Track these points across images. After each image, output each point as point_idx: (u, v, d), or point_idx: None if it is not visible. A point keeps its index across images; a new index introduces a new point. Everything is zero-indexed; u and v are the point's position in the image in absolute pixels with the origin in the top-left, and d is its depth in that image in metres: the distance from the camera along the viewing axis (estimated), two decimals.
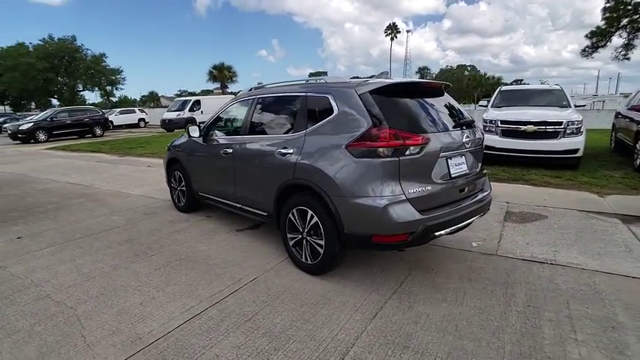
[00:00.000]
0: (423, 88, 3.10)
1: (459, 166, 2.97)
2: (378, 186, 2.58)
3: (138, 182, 7.32)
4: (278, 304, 2.68)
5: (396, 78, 3.19)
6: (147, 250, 3.75)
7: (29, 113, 32.73)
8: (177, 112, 22.13)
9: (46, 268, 3.32)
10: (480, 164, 3.27)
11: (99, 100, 52.78)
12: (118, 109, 31.45)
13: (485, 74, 74.51)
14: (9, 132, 17.74)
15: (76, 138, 18.92)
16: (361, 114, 2.72)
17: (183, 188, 5.00)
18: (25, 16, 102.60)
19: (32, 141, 17.34)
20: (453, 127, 2.99)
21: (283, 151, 3.20)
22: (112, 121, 27.16)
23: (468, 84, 66.93)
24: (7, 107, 45.78)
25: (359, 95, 2.79)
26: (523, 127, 7.38)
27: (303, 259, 3.16)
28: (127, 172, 8.62)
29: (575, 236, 3.93)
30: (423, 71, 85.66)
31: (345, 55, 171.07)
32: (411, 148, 2.60)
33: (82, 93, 49.90)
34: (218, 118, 4.45)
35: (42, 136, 17.64)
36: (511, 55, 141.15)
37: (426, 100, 3.04)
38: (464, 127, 3.08)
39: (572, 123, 7.16)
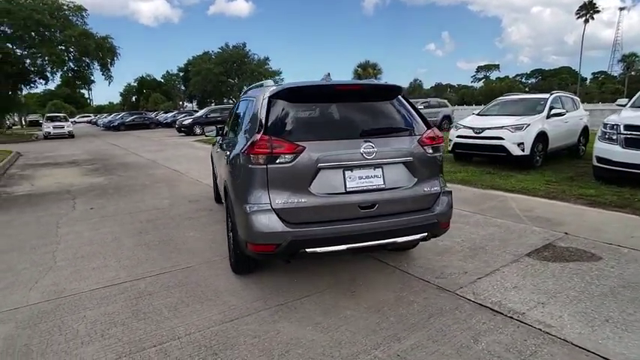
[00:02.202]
0: (336, 91, 2.90)
1: (366, 179, 2.69)
2: (250, 193, 2.65)
3: None
4: (176, 291, 3.07)
5: (331, 80, 3.07)
6: (152, 229, 4.67)
7: None
8: None
9: (78, 232, 4.59)
10: (416, 179, 2.84)
11: None
12: None
13: None
14: (176, 126, 23.13)
15: None
16: (258, 119, 2.81)
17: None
18: (220, 26, 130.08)
19: (191, 134, 22.10)
20: (360, 136, 2.71)
21: (228, 153, 3.53)
22: None
23: None
24: (195, 105, 58.84)
25: (263, 99, 2.88)
26: None
27: (231, 257, 3.44)
28: None
29: (602, 291, 2.92)
30: (628, 59, 68.28)
31: (530, 44, 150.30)
32: (285, 156, 2.56)
33: None
34: (228, 119, 5.07)
35: (198, 130, 22.27)
36: None
37: (345, 104, 2.86)
38: (374, 137, 2.75)
39: None
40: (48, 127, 23.46)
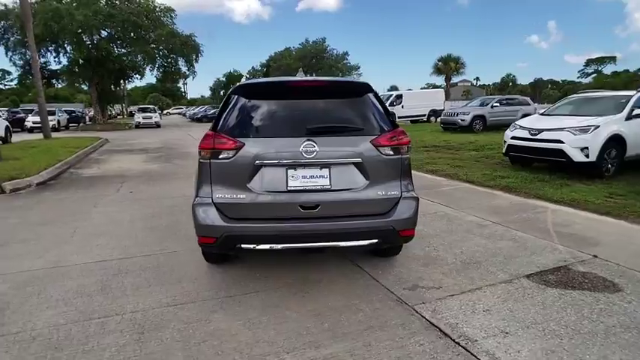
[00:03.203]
0: (293, 88, 2.86)
1: (310, 179, 2.64)
2: (199, 186, 2.80)
3: None
4: (148, 272, 3.36)
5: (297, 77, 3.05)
6: (166, 214, 5.13)
7: None
8: None
9: (105, 212, 5.23)
10: (368, 182, 2.69)
11: None
12: None
13: None
14: None
15: None
16: (217, 115, 2.94)
17: None
18: (307, 22, 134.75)
19: None
20: (306, 134, 2.66)
21: None
22: None
23: None
24: None
25: (225, 96, 3.00)
26: None
27: None
28: None
29: (595, 329, 2.49)
30: None
31: None
32: (228, 152, 2.64)
33: None
34: None
35: None
36: None
37: (303, 101, 2.84)
38: (320, 135, 2.67)
39: None
40: (138, 118, 26.78)
